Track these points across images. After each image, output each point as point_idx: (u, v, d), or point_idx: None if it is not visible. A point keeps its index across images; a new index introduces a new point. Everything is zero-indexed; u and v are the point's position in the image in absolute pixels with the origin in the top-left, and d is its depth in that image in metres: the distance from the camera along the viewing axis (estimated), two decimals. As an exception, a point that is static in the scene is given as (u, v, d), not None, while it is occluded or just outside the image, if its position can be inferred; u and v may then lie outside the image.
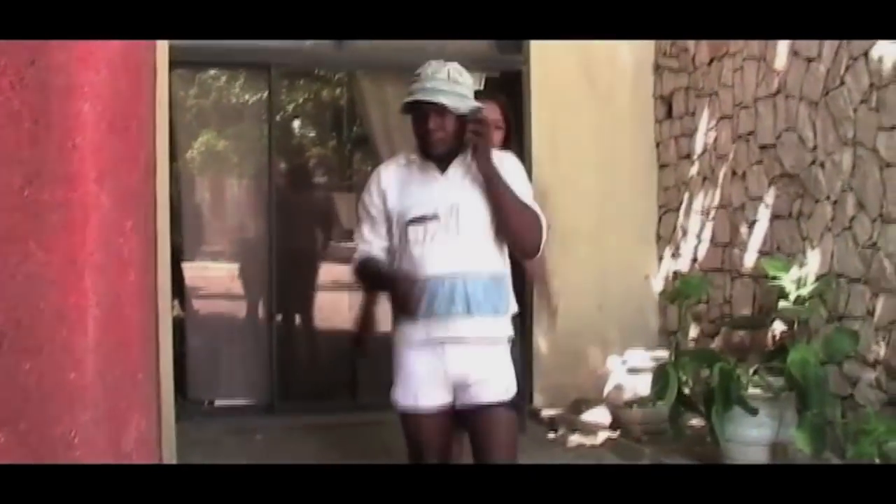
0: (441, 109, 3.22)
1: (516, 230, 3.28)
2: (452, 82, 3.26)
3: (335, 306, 10.76)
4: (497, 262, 3.33)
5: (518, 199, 3.26)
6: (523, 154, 6.31)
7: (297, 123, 14.79)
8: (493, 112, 3.96)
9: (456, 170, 3.29)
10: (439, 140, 3.24)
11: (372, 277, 3.48)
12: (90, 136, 2.09)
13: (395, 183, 3.34)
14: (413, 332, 3.29)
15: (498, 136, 3.98)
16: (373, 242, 3.38)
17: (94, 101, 2.09)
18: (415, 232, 3.25)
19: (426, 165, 3.31)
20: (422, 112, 3.24)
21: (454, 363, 3.25)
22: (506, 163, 3.38)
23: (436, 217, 3.23)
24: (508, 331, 3.41)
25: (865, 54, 4.87)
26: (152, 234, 2.70)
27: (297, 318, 8.14)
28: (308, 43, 7.39)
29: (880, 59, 4.75)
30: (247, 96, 8.30)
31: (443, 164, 3.30)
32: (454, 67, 3.30)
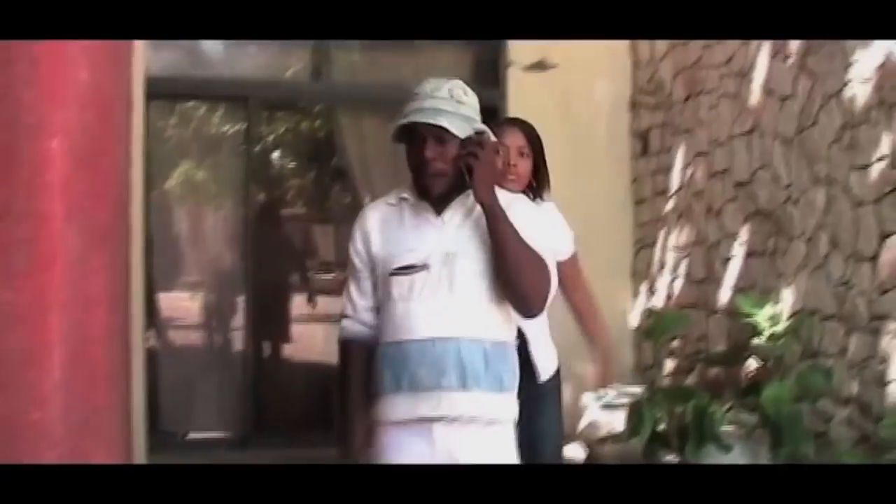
0: (441, 134, 2.67)
1: (517, 279, 2.69)
2: (456, 101, 2.72)
3: (312, 338, 10.74)
4: (502, 324, 2.78)
5: (523, 242, 2.68)
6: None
7: (276, 154, 14.81)
8: (515, 138, 3.69)
9: (455, 212, 2.76)
10: (438, 172, 2.70)
11: (343, 388, 2.93)
12: (59, 173, 2.09)
13: (381, 226, 2.81)
14: (394, 408, 2.72)
15: (523, 165, 3.67)
16: (358, 306, 2.88)
17: (62, 137, 2.10)
18: (399, 285, 2.72)
19: (420, 205, 2.78)
20: (418, 138, 2.70)
21: (444, 449, 2.63)
22: (514, 206, 2.81)
23: (425, 267, 2.69)
24: (514, 410, 2.83)
25: (838, 93, 4.91)
26: (124, 270, 2.68)
27: (274, 350, 8.12)
28: (287, 74, 7.42)
29: (852, 99, 4.79)
30: (226, 127, 8.31)
31: (440, 204, 2.77)
32: (457, 84, 2.77)
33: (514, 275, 2.69)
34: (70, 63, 2.06)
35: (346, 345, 2.91)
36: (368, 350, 2.82)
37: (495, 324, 2.75)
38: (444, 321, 2.67)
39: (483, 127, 2.75)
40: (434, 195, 2.74)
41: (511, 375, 2.78)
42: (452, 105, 2.71)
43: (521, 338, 3.31)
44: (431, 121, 2.67)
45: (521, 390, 3.17)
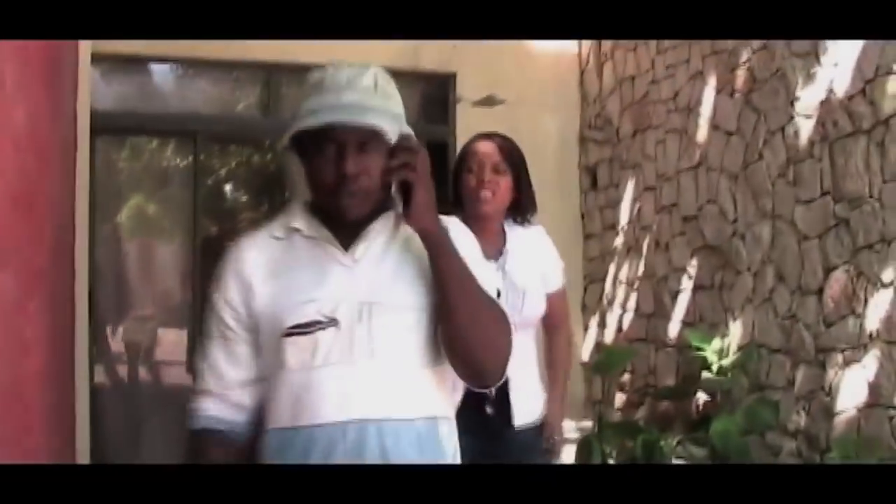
0: (366, 140, 1.91)
1: (469, 337, 1.95)
2: (383, 95, 1.97)
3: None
4: (441, 396, 2.05)
5: (478, 286, 1.98)
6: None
7: (228, 188, 14.76)
8: (488, 152, 3.32)
9: (369, 245, 1.98)
10: (363, 191, 1.94)
11: None
12: (-7, 215, 2.03)
13: (266, 268, 1.99)
14: None
15: (501, 182, 3.29)
16: (226, 379, 2.02)
17: (-3, 180, 2.05)
18: (297, 349, 1.93)
19: (320, 238, 1.99)
20: (330, 146, 1.92)
21: None
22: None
23: (333, 323, 1.93)
24: None
25: (782, 129, 4.97)
26: (65, 309, 2.64)
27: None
28: (238, 108, 7.40)
29: (796, 134, 4.85)
30: (176, 160, 8.28)
31: (349, 235, 1.98)
32: (381, 72, 2.00)
33: (465, 331, 1.94)
34: (5, 102, 2.00)
35: (205, 439, 2.04)
36: (238, 447, 2.03)
37: (432, 396, 2.01)
38: (361, 397, 1.92)
39: (409, 130, 1.99)
40: (350, 221, 1.96)
41: (451, 460, 2.04)
42: (380, 100, 1.95)
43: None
44: (360, 121, 1.89)
45: (490, 437, 3.14)
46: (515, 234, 3.38)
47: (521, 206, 3.40)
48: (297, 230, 2.01)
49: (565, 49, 7.30)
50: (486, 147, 3.35)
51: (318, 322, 1.92)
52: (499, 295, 3.02)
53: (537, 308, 3.38)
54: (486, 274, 2.73)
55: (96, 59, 4.87)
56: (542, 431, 3.44)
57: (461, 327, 1.93)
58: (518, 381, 3.20)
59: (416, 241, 1.95)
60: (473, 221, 3.13)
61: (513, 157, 3.35)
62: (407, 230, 1.96)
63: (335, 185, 1.92)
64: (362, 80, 1.95)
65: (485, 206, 3.29)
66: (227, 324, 2.01)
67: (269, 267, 1.99)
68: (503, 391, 3.15)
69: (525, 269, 3.34)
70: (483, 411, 3.21)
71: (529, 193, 3.42)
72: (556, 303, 3.50)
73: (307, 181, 2.00)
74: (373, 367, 1.93)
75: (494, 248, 3.29)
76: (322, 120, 1.89)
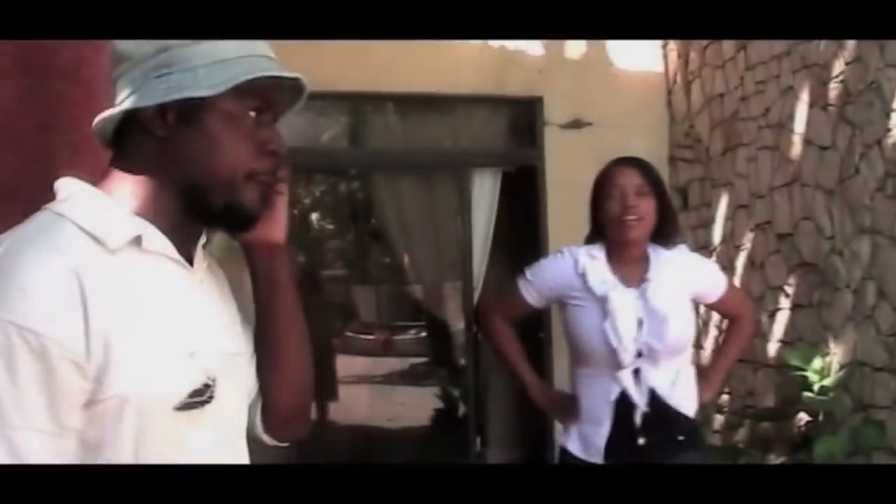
0: (280, 111, 1.57)
1: (296, 378, 1.68)
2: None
3: (352, 400, 10.72)
4: None
5: (303, 319, 1.68)
6: (539, 251, 6.32)
7: (314, 216, 14.97)
8: (630, 176, 3.24)
9: (201, 257, 1.57)
10: (272, 176, 1.55)
11: None
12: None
13: (111, 302, 1.32)
14: None
15: (645, 205, 3.21)
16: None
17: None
18: (183, 439, 1.39)
19: (161, 245, 1.44)
20: (266, 108, 1.51)
21: None
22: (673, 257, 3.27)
23: (211, 389, 1.42)
24: None
25: (879, 142, 4.87)
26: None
27: (318, 412, 8.10)
28: (324, 138, 7.47)
29: (894, 146, 4.75)
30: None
31: (187, 241, 1.51)
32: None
33: (293, 368, 1.66)
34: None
35: None
36: None
37: None
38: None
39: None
40: (250, 215, 1.52)
41: None
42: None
43: (653, 393, 3.21)
44: (296, 76, 1.50)
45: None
46: (659, 259, 3.30)
47: (667, 230, 3.33)
48: (136, 240, 1.41)
49: (651, 69, 7.26)
50: (626, 171, 3.26)
51: (200, 392, 1.41)
52: (640, 323, 3.17)
53: (682, 335, 3.28)
54: (625, 302, 3.12)
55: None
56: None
57: (290, 365, 1.65)
58: (672, 411, 3.25)
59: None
60: (617, 249, 3.28)
61: (654, 180, 3.27)
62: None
63: (245, 166, 1.47)
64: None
65: (631, 232, 3.22)
66: (41, 379, 1.27)
67: (114, 297, 1.34)
68: (658, 420, 3.19)
69: (670, 295, 3.24)
70: (635, 441, 3.21)
71: (673, 216, 3.39)
72: (728, 301, 3.57)
73: (182, 156, 1.44)
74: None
75: (637, 276, 3.27)
76: (270, 72, 1.45)
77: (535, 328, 6.49)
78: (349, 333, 14.04)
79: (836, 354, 5.26)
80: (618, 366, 3.17)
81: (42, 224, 1.37)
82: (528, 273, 3.44)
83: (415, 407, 10.02)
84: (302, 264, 8.29)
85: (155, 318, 1.37)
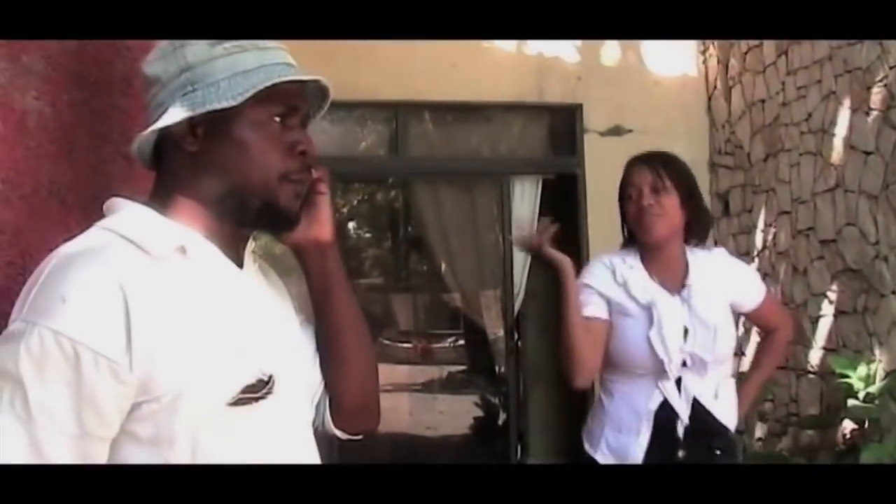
0: (321, 99, 1.65)
1: (362, 374, 1.73)
2: None
3: (392, 408, 10.73)
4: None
5: (361, 314, 1.74)
6: (580, 259, 6.30)
7: (352, 224, 15.01)
8: (640, 176, 3.08)
9: (251, 259, 1.63)
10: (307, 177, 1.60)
11: None
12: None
13: (157, 309, 1.35)
14: None
15: (666, 202, 3.02)
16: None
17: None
18: (240, 434, 1.42)
19: (209, 252, 1.50)
20: (295, 112, 1.55)
21: None
22: (709, 259, 3.14)
23: (269, 385, 1.46)
24: None
25: (924, 148, 4.83)
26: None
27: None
28: (360, 148, 7.50)
29: (940, 153, 4.71)
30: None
31: (234, 244, 1.57)
32: None
33: (355, 366, 1.72)
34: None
35: None
36: None
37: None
38: None
39: None
40: (288, 215, 1.57)
41: None
42: None
43: (696, 404, 3.07)
44: (323, 81, 1.58)
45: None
46: (698, 263, 3.14)
47: (697, 226, 3.15)
48: (181, 248, 1.46)
49: (691, 75, 7.23)
50: (639, 169, 3.10)
51: (257, 385, 1.46)
52: (686, 332, 3.04)
53: (729, 344, 3.13)
54: (670, 310, 2.99)
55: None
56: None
57: (352, 360, 1.71)
58: (714, 424, 3.10)
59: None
60: (649, 254, 3.14)
61: (674, 174, 3.05)
62: None
63: (276, 168, 1.52)
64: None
65: (651, 233, 3.05)
66: (90, 388, 1.31)
67: (156, 302, 1.37)
68: (699, 432, 3.05)
69: (714, 302, 3.10)
70: (675, 454, 3.06)
71: (703, 210, 3.17)
72: (767, 310, 3.40)
73: (216, 166, 1.50)
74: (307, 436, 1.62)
75: (677, 281, 3.11)
76: (295, 76, 1.51)
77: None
78: (388, 342, 14.05)
79: (881, 361, 5.21)
80: (661, 375, 3.03)
81: (88, 238, 1.43)
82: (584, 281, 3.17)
83: (455, 415, 10.02)
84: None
85: (203, 319, 1.42)
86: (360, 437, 1.77)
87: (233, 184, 1.50)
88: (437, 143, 7.23)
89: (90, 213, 1.63)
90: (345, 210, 13.46)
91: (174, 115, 1.46)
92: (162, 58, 1.51)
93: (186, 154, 1.50)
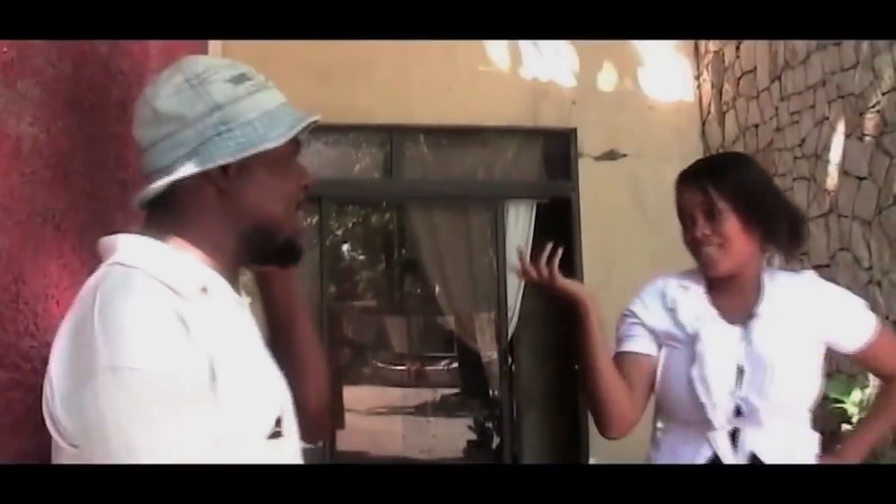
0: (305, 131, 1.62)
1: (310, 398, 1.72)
2: None
3: (385, 431, 10.71)
4: None
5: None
6: (576, 279, 6.29)
7: (346, 247, 15.02)
8: (689, 197, 2.44)
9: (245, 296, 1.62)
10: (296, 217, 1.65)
11: None
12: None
13: (206, 338, 1.37)
14: None
15: (726, 226, 2.38)
16: None
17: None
18: (279, 460, 1.48)
19: (223, 289, 1.51)
20: (295, 153, 1.61)
21: None
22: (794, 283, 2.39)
23: (285, 418, 1.52)
24: None
25: (918, 173, 4.85)
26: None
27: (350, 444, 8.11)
28: (355, 170, 7.51)
29: (933, 178, 4.72)
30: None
31: (236, 280, 1.59)
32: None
33: (317, 385, 1.77)
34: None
35: None
36: None
37: None
38: None
39: None
40: (300, 245, 1.64)
41: None
42: None
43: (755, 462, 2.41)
44: (318, 117, 1.60)
45: None
46: (776, 289, 2.51)
47: (779, 240, 2.50)
48: (204, 288, 1.46)
49: (685, 100, 7.26)
50: (686, 189, 2.48)
51: (278, 423, 1.49)
52: (741, 372, 2.41)
53: (798, 389, 2.49)
54: (721, 343, 2.39)
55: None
56: None
57: (316, 376, 1.77)
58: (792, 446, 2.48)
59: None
60: (717, 281, 2.51)
61: (728, 190, 2.41)
62: None
63: (294, 201, 1.60)
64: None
65: (713, 268, 2.46)
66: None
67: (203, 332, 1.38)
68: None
69: (784, 337, 2.45)
70: None
71: (781, 220, 2.48)
72: (879, 350, 2.69)
73: (246, 203, 1.52)
74: None
75: (743, 309, 2.48)
76: (308, 120, 1.56)
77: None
78: (381, 364, 14.03)
79: (875, 387, 5.21)
80: (709, 424, 2.42)
81: (119, 277, 1.39)
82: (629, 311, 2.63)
83: (448, 438, 9.99)
84: (335, 294, 8.34)
85: (238, 354, 1.43)
86: (314, 445, 1.79)
87: (263, 220, 1.53)
88: (432, 167, 7.25)
89: (85, 239, 1.63)
90: (339, 232, 13.46)
91: (217, 155, 1.48)
92: (179, 94, 1.49)
93: (214, 191, 1.50)
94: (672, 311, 2.52)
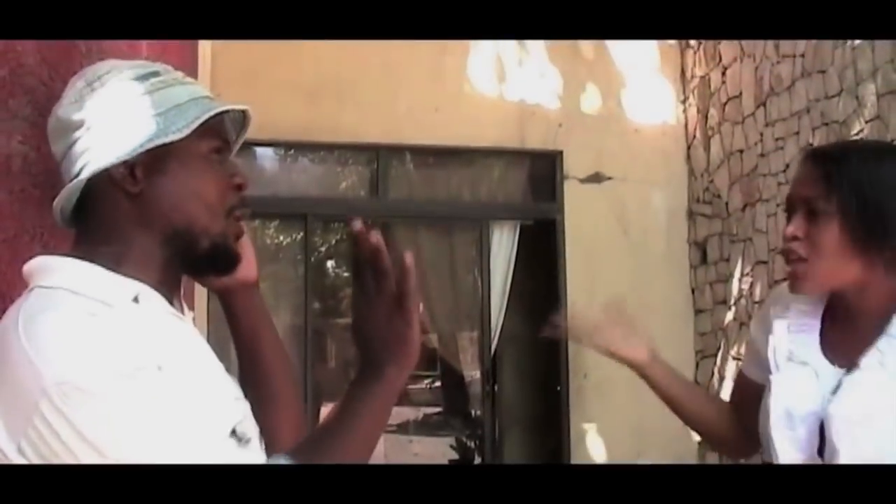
0: (240, 129, 1.59)
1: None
2: None
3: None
4: None
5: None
6: (560, 301, 6.32)
7: (330, 263, 14.99)
8: (800, 183, 1.88)
9: (188, 311, 1.55)
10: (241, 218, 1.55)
11: None
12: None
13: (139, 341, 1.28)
14: None
15: (819, 236, 1.81)
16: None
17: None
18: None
19: (157, 300, 1.40)
20: (224, 147, 1.49)
21: None
22: None
23: (244, 437, 1.38)
24: None
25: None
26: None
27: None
28: (341, 188, 7.52)
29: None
30: (281, 238, 8.47)
31: (172, 293, 1.47)
32: None
33: (289, 405, 1.66)
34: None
35: None
36: None
37: None
38: None
39: None
40: (236, 254, 1.50)
41: None
42: None
43: None
44: (248, 110, 1.54)
45: None
46: None
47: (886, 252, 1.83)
48: (134, 299, 1.36)
49: (671, 124, 7.30)
50: (798, 175, 1.93)
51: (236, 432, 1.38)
52: (821, 429, 1.87)
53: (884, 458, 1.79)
54: (797, 387, 1.91)
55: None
56: None
57: (289, 397, 1.66)
58: None
59: None
60: (839, 309, 1.96)
61: (844, 183, 1.81)
62: None
63: (223, 203, 1.46)
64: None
65: (793, 281, 1.92)
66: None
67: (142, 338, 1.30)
68: None
69: (886, 395, 1.82)
70: None
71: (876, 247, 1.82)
72: None
73: (161, 207, 1.41)
74: None
75: (852, 352, 1.88)
76: (222, 107, 1.45)
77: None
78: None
79: None
80: None
81: (41, 299, 1.29)
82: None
83: (430, 457, 9.98)
84: (318, 312, 8.38)
85: (178, 364, 1.31)
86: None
87: (181, 223, 1.41)
88: (418, 186, 7.27)
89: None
90: (323, 249, 13.45)
91: (111, 153, 1.37)
92: (81, 99, 1.40)
93: (125, 197, 1.39)
94: (774, 336, 2.03)
